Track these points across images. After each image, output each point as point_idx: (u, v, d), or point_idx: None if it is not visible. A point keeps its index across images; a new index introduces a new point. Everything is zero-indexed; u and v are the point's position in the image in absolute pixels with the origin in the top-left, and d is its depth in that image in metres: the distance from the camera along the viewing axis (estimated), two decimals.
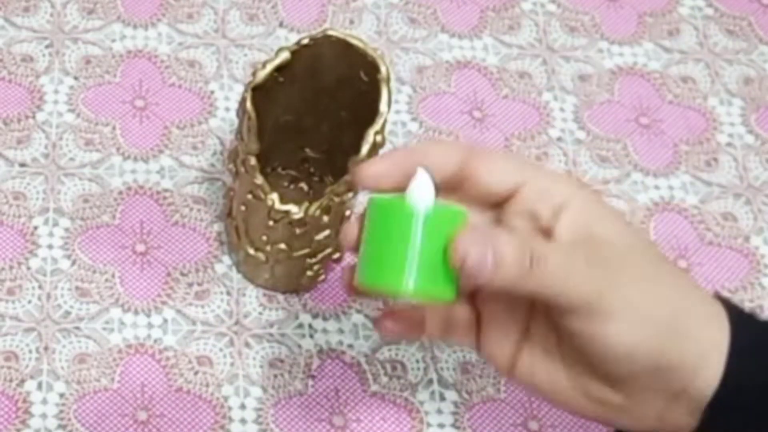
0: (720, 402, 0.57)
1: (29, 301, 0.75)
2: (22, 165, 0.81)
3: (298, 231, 0.73)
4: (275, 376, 0.74)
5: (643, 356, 0.57)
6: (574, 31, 0.91)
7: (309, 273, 0.76)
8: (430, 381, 0.75)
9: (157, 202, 0.80)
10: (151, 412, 0.72)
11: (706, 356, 0.57)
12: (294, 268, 0.75)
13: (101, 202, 0.80)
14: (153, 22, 0.88)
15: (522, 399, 0.74)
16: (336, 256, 0.76)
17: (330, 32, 0.72)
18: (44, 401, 0.72)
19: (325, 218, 0.72)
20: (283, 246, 0.74)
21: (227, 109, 0.84)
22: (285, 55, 0.72)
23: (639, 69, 0.89)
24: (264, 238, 0.74)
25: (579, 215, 0.58)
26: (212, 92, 0.85)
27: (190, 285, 0.77)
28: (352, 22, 0.89)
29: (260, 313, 0.76)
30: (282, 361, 0.75)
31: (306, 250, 0.74)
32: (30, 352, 0.74)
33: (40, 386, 0.72)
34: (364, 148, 0.69)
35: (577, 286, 0.56)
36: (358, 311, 0.77)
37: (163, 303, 0.76)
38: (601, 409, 0.59)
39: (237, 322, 0.76)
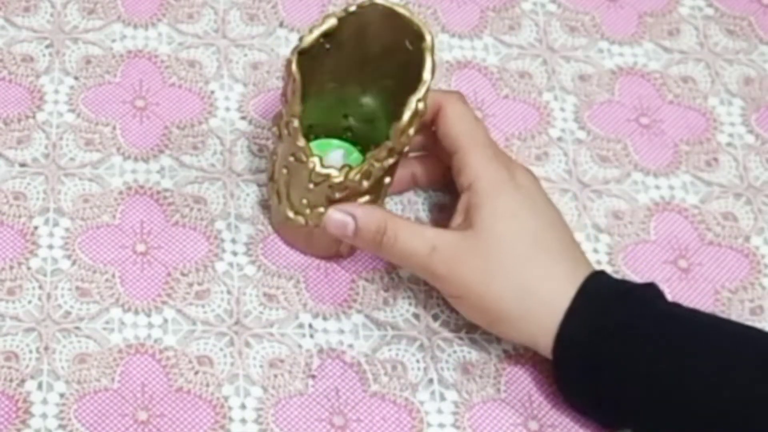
0: (559, 356, 0.71)
1: (29, 301, 0.75)
2: (23, 165, 0.81)
3: (337, 195, 0.73)
4: (275, 375, 0.74)
5: (491, 329, 0.74)
6: (574, 31, 0.91)
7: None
8: (430, 381, 0.75)
9: (157, 202, 0.80)
10: (151, 412, 0.72)
11: (543, 333, 0.71)
12: (332, 234, 0.75)
13: (101, 202, 0.80)
14: (153, 22, 0.88)
15: (522, 399, 0.74)
16: None
17: (377, 0, 0.73)
18: (44, 401, 0.72)
19: (365, 183, 0.73)
20: (322, 210, 0.74)
21: (227, 109, 0.84)
22: (332, 22, 0.72)
23: (639, 69, 0.89)
24: (304, 201, 0.74)
25: (473, 198, 0.73)
26: (212, 92, 0.85)
27: (191, 285, 0.77)
28: None
29: (260, 313, 0.76)
30: (282, 360, 0.75)
31: None
32: (30, 352, 0.74)
33: (40, 386, 0.72)
34: (406, 115, 0.70)
35: (417, 268, 0.73)
36: (358, 311, 0.77)
37: (164, 303, 0.76)
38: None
39: (237, 322, 0.76)
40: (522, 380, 0.75)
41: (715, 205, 0.83)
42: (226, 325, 0.76)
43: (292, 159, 0.73)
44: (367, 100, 0.78)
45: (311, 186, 0.73)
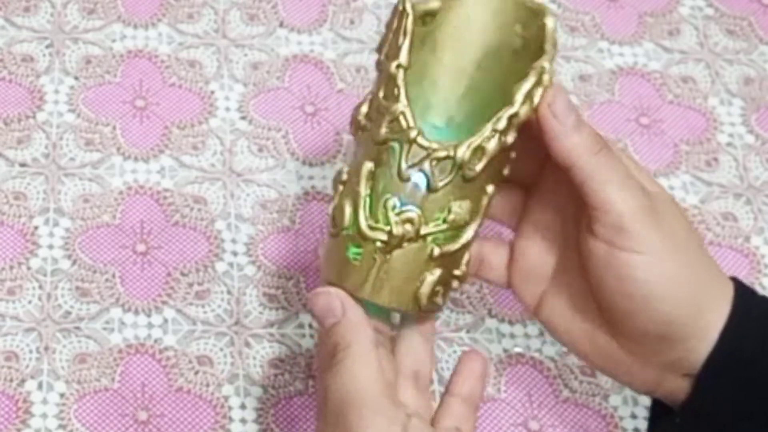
0: (709, 370, 0.60)
1: (29, 301, 0.75)
2: (23, 165, 0.81)
3: (440, 184, 0.60)
4: (276, 375, 0.74)
5: (656, 314, 0.60)
6: (574, 31, 0.91)
7: (429, 278, 0.61)
8: (431, 381, 0.74)
9: (157, 202, 0.80)
10: (152, 412, 0.72)
11: (709, 331, 0.60)
12: (415, 264, 0.61)
13: (101, 202, 0.80)
14: (153, 22, 0.88)
15: (522, 399, 0.74)
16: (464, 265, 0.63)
17: None
18: (44, 401, 0.72)
19: (478, 166, 0.60)
20: (413, 214, 0.60)
21: (227, 109, 0.84)
22: (434, 4, 0.63)
23: (639, 69, 0.89)
24: (391, 201, 0.60)
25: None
26: (212, 92, 0.85)
27: (191, 285, 0.77)
28: (352, 22, 0.89)
29: (260, 313, 0.76)
30: (282, 360, 0.75)
31: (438, 225, 0.61)
32: (30, 352, 0.74)
33: (40, 386, 0.72)
34: (531, 77, 0.61)
35: (629, 195, 0.59)
36: None
37: (164, 303, 0.76)
38: (606, 363, 0.64)
39: (237, 322, 0.76)
40: (522, 380, 0.75)
41: (715, 205, 0.83)
42: (226, 325, 0.76)
43: (385, 132, 0.60)
44: (456, 117, 0.65)
45: (406, 167, 0.60)
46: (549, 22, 0.62)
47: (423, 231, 0.60)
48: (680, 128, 0.86)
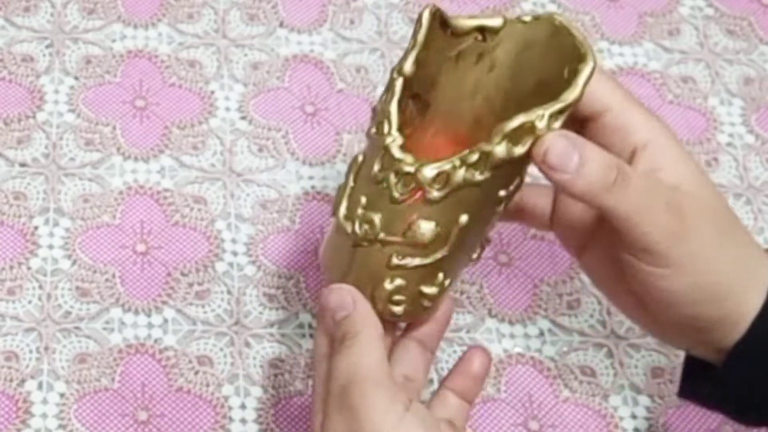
0: (739, 354, 0.61)
1: (29, 301, 0.75)
2: (23, 165, 0.81)
3: (397, 195, 0.60)
4: (276, 375, 0.74)
5: (682, 313, 0.61)
6: None
7: (387, 285, 0.62)
8: (431, 381, 0.75)
9: (157, 202, 0.80)
10: (152, 412, 0.72)
11: (740, 320, 0.61)
12: (374, 266, 0.62)
13: (101, 202, 0.80)
14: (153, 22, 0.88)
15: (522, 399, 0.74)
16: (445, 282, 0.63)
17: (555, 15, 0.62)
18: (44, 401, 0.72)
19: (435, 192, 0.59)
20: (375, 217, 0.61)
21: (227, 109, 0.84)
22: (498, 21, 0.62)
23: (639, 69, 0.89)
24: (363, 199, 0.61)
25: (658, 159, 0.60)
26: (212, 92, 0.85)
27: (191, 285, 0.77)
28: (352, 22, 0.89)
29: (260, 313, 0.76)
30: (282, 360, 0.75)
31: (395, 237, 0.61)
32: (30, 352, 0.74)
33: (40, 386, 0.72)
34: (517, 120, 0.58)
35: (652, 221, 0.58)
36: None
37: (164, 303, 0.76)
38: (638, 322, 0.65)
39: (237, 322, 0.76)
40: (522, 380, 0.75)
41: None
42: (226, 325, 0.76)
43: (373, 131, 0.61)
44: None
45: (377, 171, 0.60)
46: (583, 70, 0.59)
47: (381, 237, 0.61)
48: (680, 128, 0.86)
